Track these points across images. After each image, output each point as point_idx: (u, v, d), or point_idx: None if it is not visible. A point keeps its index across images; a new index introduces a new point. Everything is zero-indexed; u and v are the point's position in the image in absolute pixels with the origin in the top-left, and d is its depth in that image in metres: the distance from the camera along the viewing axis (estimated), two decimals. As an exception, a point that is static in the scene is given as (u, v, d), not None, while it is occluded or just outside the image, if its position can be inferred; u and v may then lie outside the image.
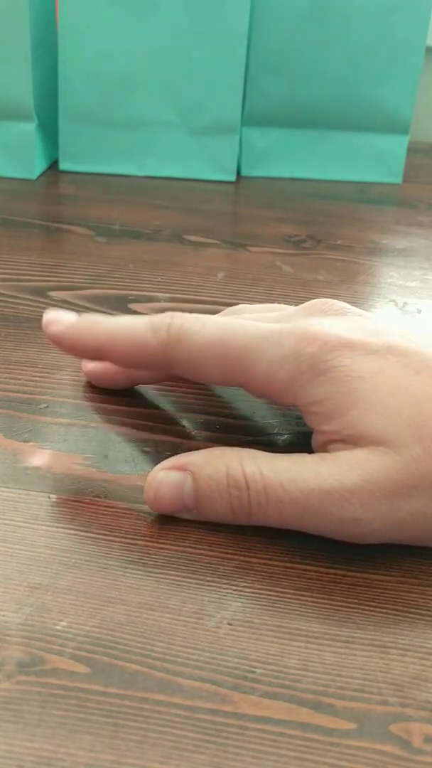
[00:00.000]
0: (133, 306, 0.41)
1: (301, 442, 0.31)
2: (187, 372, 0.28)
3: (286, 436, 0.31)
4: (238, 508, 0.25)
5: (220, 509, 0.26)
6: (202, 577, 0.24)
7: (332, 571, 0.25)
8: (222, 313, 0.30)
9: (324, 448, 0.26)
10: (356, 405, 0.25)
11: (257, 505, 0.25)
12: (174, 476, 0.26)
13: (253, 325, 0.27)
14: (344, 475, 0.24)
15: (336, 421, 0.25)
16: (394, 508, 0.24)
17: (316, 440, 0.26)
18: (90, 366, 0.33)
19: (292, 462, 0.25)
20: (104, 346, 0.28)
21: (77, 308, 0.40)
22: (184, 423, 0.32)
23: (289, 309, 0.30)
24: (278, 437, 0.31)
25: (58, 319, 0.29)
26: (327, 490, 0.24)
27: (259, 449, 0.26)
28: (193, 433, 0.31)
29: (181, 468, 0.26)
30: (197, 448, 0.30)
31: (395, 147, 0.64)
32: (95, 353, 0.29)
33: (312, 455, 0.25)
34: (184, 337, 0.27)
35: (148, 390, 0.34)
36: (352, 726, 0.20)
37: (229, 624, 0.23)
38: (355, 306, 0.29)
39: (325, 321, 0.27)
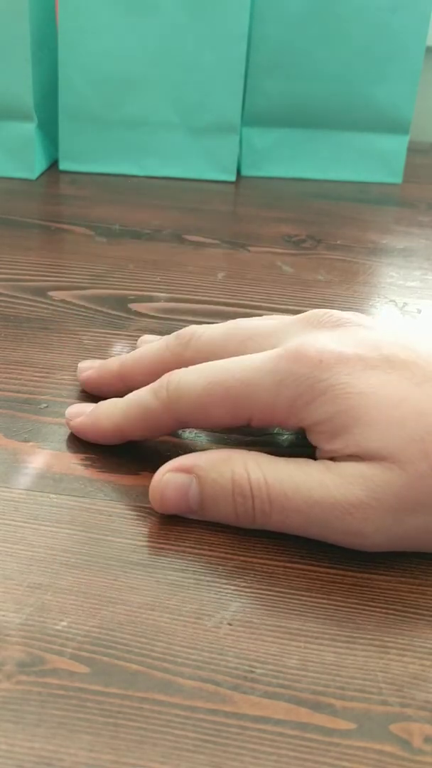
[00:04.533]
0: (133, 306, 0.41)
1: (301, 443, 0.31)
2: (195, 423, 0.28)
3: (286, 436, 0.31)
4: (242, 514, 0.25)
5: (224, 513, 0.26)
6: (202, 577, 0.24)
7: (332, 571, 0.25)
8: (220, 327, 0.30)
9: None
10: (359, 422, 0.24)
11: (261, 513, 0.25)
12: (179, 478, 0.26)
13: (246, 359, 0.27)
14: (348, 489, 0.24)
15: (339, 440, 0.25)
16: (398, 522, 0.24)
17: (321, 457, 0.26)
18: (85, 375, 0.33)
19: (297, 469, 0.25)
20: (123, 428, 0.29)
21: (77, 308, 0.40)
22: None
23: (287, 319, 0.29)
24: (278, 437, 0.31)
25: (78, 412, 0.30)
26: (331, 503, 0.24)
27: (259, 450, 0.26)
28: (193, 433, 0.31)
29: (187, 470, 0.26)
30: (197, 449, 0.30)
31: (395, 147, 0.64)
32: (118, 436, 0.29)
33: (317, 463, 0.25)
34: (183, 391, 0.27)
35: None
36: (352, 726, 0.20)
37: (229, 624, 0.23)
38: (355, 307, 0.29)
39: (320, 337, 0.26)
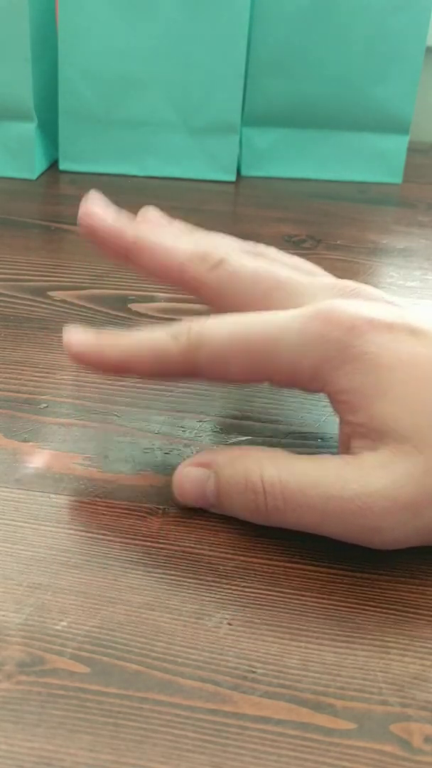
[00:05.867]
0: (133, 306, 0.41)
1: (300, 444, 0.31)
2: (212, 374, 0.27)
3: (285, 437, 0.31)
4: (254, 510, 0.25)
5: (238, 509, 0.26)
6: (202, 577, 0.24)
7: (332, 571, 0.25)
8: (251, 264, 0.28)
9: (348, 442, 0.25)
10: (384, 397, 0.24)
11: (275, 509, 0.25)
12: (197, 472, 0.26)
13: (274, 315, 0.26)
14: (368, 481, 0.23)
15: (362, 413, 0.24)
16: (417, 516, 0.23)
17: (342, 430, 0.26)
18: (89, 216, 0.31)
19: (315, 466, 0.25)
20: (128, 360, 0.28)
21: (77, 308, 0.40)
22: (184, 423, 0.32)
23: (317, 281, 0.28)
24: (278, 438, 0.31)
25: (79, 338, 0.28)
26: (349, 497, 0.23)
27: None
28: (193, 433, 0.31)
29: (206, 465, 0.26)
30: (197, 449, 0.30)
31: (395, 147, 0.64)
32: (119, 368, 0.28)
33: (335, 458, 0.25)
34: (205, 339, 0.26)
35: (149, 390, 0.34)
36: (352, 726, 0.20)
37: (229, 624, 0.23)
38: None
39: (353, 302, 0.26)
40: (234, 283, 0.28)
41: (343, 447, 0.26)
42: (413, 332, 0.25)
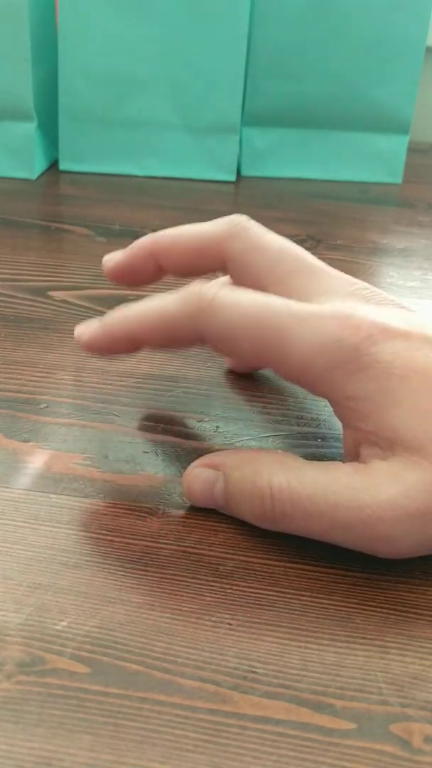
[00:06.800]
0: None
1: (299, 445, 0.31)
2: (219, 346, 0.26)
3: (285, 437, 0.31)
4: (261, 515, 0.25)
5: (246, 512, 0.25)
6: (202, 577, 0.24)
7: (332, 571, 0.25)
8: (277, 240, 0.28)
9: (355, 449, 0.25)
10: (396, 406, 0.24)
11: (282, 515, 0.24)
12: (206, 474, 0.26)
13: (292, 304, 0.25)
14: (378, 489, 0.23)
15: (372, 421, 0.24)
16: (428, 525, 0.23)
17: (347, 436, 0.25)
18: (112, 263, 0.31)
19: (324, 473, 0.24)
20: (137, 334, 0.27)
21: (77, 308, 0.40)
22: (184, 423, 0.32)
23: (336, 282, 0.27)
24: (276, 439, 0.31)
25: (86, 328, 0.28)
26: (358, 505, 0.23)
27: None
28: (193, 433, 0.31)
29: (215, 466, 0.26)
30: (197, 449, 0.30)
31: (395, 147, 0.64)
32: (130, 344, 0.28)
33: (345, 465, 0.24)
34: (218, 310, 0.25)
35: (149, 390, 0.34)
36: (352, 726, 0.20)
37: (229, 624, 0.23)
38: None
39: (370, 308, 0.25)
40: (258, 253, 0.28)
41: (349, 454, 0.26)
42: (428, 341, 0.24)
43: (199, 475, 0.26)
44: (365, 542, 0.24)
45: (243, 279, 0.28)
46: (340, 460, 0.25)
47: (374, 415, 0.24)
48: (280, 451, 0.29)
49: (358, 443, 0.25)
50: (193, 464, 0.27)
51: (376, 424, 0.24)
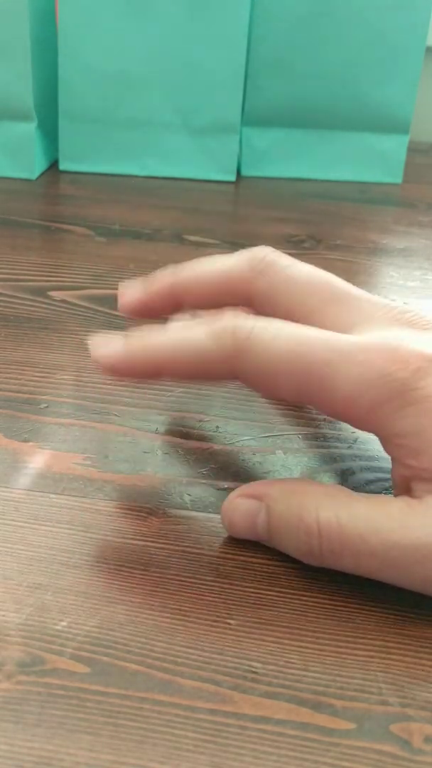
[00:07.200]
0: (133, 306, 0.41)
1: (300, 445, 0.31)
2: (255, 385, 0.25)
3: (284, 439, 0.31)
4: (307, 552, 0.24)
5: (290, 547, 0.24)
6: (202, 577, 0.24)
7: (332, 571, 0.25)
8: (304, 269, 0.26)
9: (407, 484, 0.24)
10: None
11: (330, 553, 0.23)
12: (247, 504, 0.25)
13: (334, 337, 0.24)
14: None
15: (425, 458, 0.23)
16: None
17: (398, 473, 0.24)
18: (129, 297, 0.29)
19: (375, 508, 0.23)
20: (164, 367, 0.25)
21: (77, 308, 0.40)
22: (184, 423, 0.32)
23: (371, 306, 0.26)
24: (276, 439, 0.31)
25: (107, 348, 0.26)
26: (414, 545, 0.22)
27: (258, 451, 0.26)
28: (193, 433, 0.31)
29: (257, 497, 0.25)
30: (197, 449, 0.30)
31: (395, 147, 0.64)
32: (155, 375, 0.26)
33: (397, 500, 0.23)
34: (254, 347, 0.24)
35: (149, 391, 0.34)
36: (352, 726, 0.20)
37: (229, 624, 0.23)
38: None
39: (416, 337, 0.24)
40: (288, 288, 0.26)
41: (400, 488, 0.24)
42: None
43: (240, 505, 0.25)
44: (420, 582, 0.23)
45: (273, 314, 0.26)
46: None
47: (426, 452, 0.23)
48: (328, 483, 0.28)
49: (411, 479, 0.24)
50: (233, 493, 0.25)
51: (429, 461, 0.23)
